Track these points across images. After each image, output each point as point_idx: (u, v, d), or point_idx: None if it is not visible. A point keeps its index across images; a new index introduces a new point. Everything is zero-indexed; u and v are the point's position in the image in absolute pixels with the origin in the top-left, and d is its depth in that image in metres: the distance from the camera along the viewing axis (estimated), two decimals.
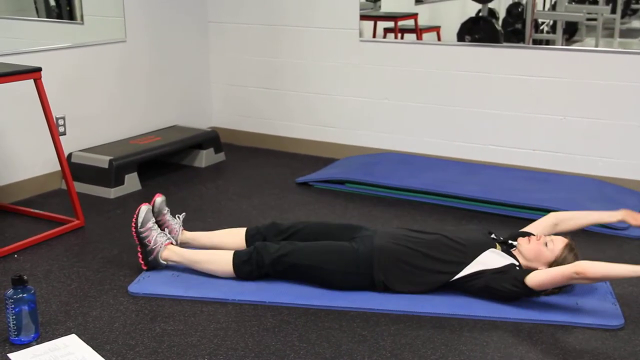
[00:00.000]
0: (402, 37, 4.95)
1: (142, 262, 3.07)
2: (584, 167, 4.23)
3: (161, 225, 3.17)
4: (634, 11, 5.04)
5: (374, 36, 4.91)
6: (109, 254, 3.34)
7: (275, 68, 5.09)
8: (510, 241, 3.01)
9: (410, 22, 5.03)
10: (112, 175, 4.14)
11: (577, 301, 2.82)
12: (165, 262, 3.07)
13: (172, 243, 3.09)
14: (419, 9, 5.13)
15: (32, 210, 3.86)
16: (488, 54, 4.41)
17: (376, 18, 4.98)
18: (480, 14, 4.86)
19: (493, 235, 3.02)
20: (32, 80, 3.45)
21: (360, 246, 2.92)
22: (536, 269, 2.81)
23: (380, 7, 5.11)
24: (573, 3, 5.13)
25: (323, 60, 4.91)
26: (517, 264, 2.85)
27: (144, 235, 3.03)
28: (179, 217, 3.24)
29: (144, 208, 3.04)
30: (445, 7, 5.25)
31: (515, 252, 2.93)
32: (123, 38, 4.60)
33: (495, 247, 2.92)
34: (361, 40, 4.76)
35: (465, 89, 4.49)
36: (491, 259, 2.84)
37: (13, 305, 2.53)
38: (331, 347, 2.55)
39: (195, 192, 4.27)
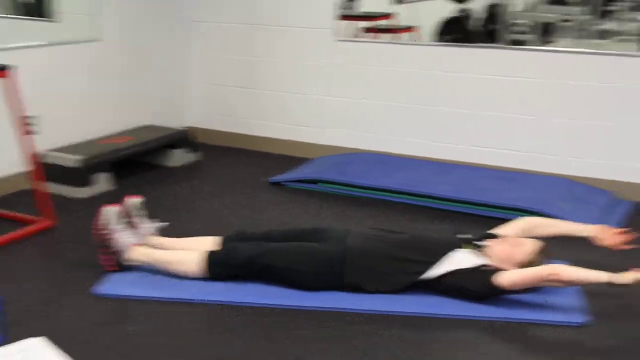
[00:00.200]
0: (380, 37, 4.95)
1: (109, 264, 3.03)
2: (557, 167, 4.25)
3: (133, 226, 3.14)
4: (608, 13, 5.08)
5: (352, 36, 4.90)
6: (78, 255, 3.30)
7: (252, 67, 5.07)
8: (480, 242, 3.01)
9: (388, 22, 5.03)
10: (84, 175, 4.10)
11: (545, 299, 2.84)
12: (132, 264, 3.03)
13: (139, 245, 3.06)
14: (398, 9, 5.12)
15: (1, 210, 3.81)
16: (464, 55, 4.43)
17: (355, 18, 4.98)
18: (459, 15, 4.87)
19: (464, 236, 3.02)
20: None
21: (333, 247, 2.91)
22: (506, 270, 2.82)
23: (358, 7, 5.11)
24: (549, 4, 5.15)
25: (299, 60, 4.90)
26: (487, 264, 2.86)
27: (108, 237, 2.99)
28: (155, 221, 3.20)
29: (108, 210, 3.01)
30: (424, 8, 5.25)
31: (486, 253, 2.93)
32: (100, 37, 4.55)
33: (466, 248, 2.92)
34: (338, 40, 4.76)
35: (442, 89, 4.50)
36: (462, 259, 2.85)
37: None
38: (300, 347, 2.54)
39: (169, 192, 4.24)
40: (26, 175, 4.17)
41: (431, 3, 5.23)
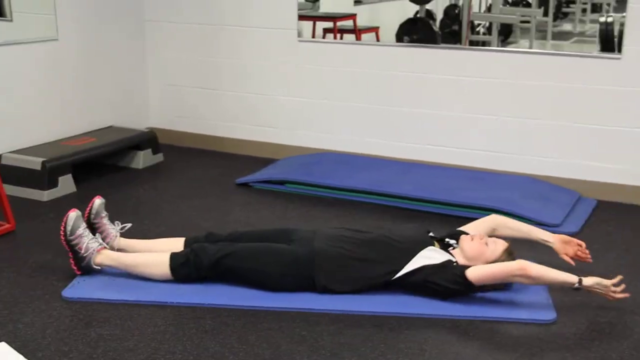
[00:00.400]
0: (341, 38, 4.97)
1: (75, 268, 2.99)
2: (518, 165, 4.32)
3: (97, 228, 3.10)
4: (565, 14, 5.18)
5: (313, 36, 4.91)
6: (41, 259, 3.24)
7: (214, 68, 5.04)
8: (447, 239, 3.05)
9: (349, 23, 5.05)
10: (44, 177, 4.02)
11: (511, 297, 2.88)
12: (98, 268, 2.99)
13: (105, 248, 3.02)
14: (358, 10, 5.15)
15: None
16: (425, 55, 4.47)
17: (315, 18, 4.99)
18: (418, 15, 4.92)
19: (431, 234, 3.06)
20: None
21: (300, 248, 2.91)
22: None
23: (319, 7, 5.12)
24: (508, 6, 5.23)
25: (262, 60, 4.89)
26: (454, 260, 2.89)
27: (74, 242, 2.95)
28: (118, 223, 3.17)
29: (72, 215, 2.96)
30: (384, 8, 5.29)
31: (454, 251, 2.96)
32: (55, 36, 4.48)
33: (434, 245, 2.95)
34: (300, 41, 4.76)
35: (403, 89, 4.54)
36: (430, 256, 2.87)
37: None
38: (270, 348, 2.54)
39: (132, 194, 4.20)
40: None
41: (391, 4, 5.27)
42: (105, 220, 3.13)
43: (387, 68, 4.56)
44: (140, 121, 5.22)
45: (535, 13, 4.96)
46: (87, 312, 2.77)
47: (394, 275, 2.86)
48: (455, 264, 2.88)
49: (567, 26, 5.08)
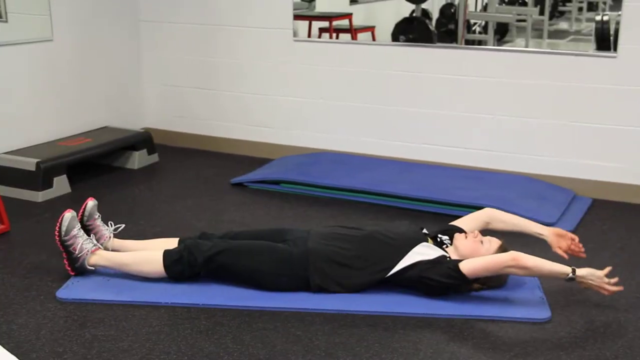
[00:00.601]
0: (337, 37, 4.97)
1: (69, 268, 2.98)
2: (514, 164, 4.32)
3: (91, 230, 3.09)
4: (561, 13, 5.18)
5: (309, 36, 4.91)
6: (36, 260, 3.24)
7: (209, 68, 5.03)
8: (440, 235, 3.05)
9: (345, 22, 5.05)
10: (39, 178, 4.02)
11: (506, 296, 2.88)
12: (92, 268, 2.99)
13: (99, 248, 3.01)
14: (354, 9, 5.15)
15: None
16: (422, 54, 4.46)
17: (311, 18, 4.98)
18: (414, 15, 4.92)
19: (424, 230, 3.05)
20: None
21: (294, 248, 2.90)
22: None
23: (314, 7, 5.11)
24: (504, 4, 5.24)
25: (258, 60, 4.88)
26: (447, 255, 2.89)
27: (68, 243, 2.94)
28: (111, 224, 3.16)
29: (67, 215, 2.95)
30: (380, 7, 5.29)
31: (447, 249, 2.96)
32: (49, 37, 4.47)
33: (427, 242, 2.95)
34: (295, 40, 4.76)
35: (399, 89, 4.54)
36: (424, 252, 2.87)
37: None
38: (265, 347, 2.53)
39: (127, 195, 4.19)
40: None
41: (387, 3, 5.27)
42: (99, 222, 3.12)
43: (383, 67, 4.56)
44: (135, 121, 5.21)
45: (531, 12, 4.96)
46: (82, 312, 2.76)
47: (389, 272, 2.86)
48: (448, 258, 2.88)
49: (563, 25, 5.08)
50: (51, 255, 3.25)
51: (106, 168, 4.69)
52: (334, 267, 2.87)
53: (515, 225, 3.13)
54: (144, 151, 4.74)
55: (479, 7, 5.04)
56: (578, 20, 5.02)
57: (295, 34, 4.76)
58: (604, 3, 4.63)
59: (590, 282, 2.75)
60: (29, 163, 4.04)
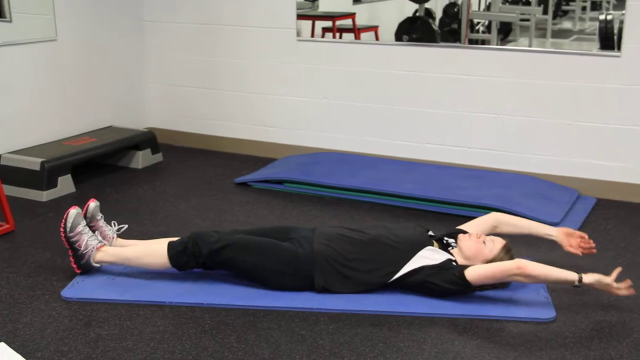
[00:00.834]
0: (340, 37, 4.97)
1: (75, 266, 2.99)
2: (518, 164, 4.32)
3: (94, 231, 3.10)
4: (565, 12, 5.17)
5: (312, 36, 4.91)
6: (41, 259, 3.24)
7: (213, 68, 5.04)
8: (446, 238, 3.04)
9: (348, 22, 5.05)
10: (44, 177, 4.02)
11: (511, 295, 2.88)
12: (98, 265, 2.99)
13: (104, 245, 3.02)
14: (357, 9, 5.15)
15: None
16: (425, 54, 4.46)
17: (314, 17, 4.98)
18: (418, 14, 4.91)
19: (430, 233, 3.05)
20: None
21: (299, 249, 2.90)
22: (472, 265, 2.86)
23: (318, 6, 5.11)
24: (507, 4, 5.23)
25: (261, 60, 4.89)
26: (453, 259, 2.89)
27: (74, 239, 2.95)
28: (114, 224, 3.16)
29: (73, 212, 2.95)
30: (383, 7, 5.28)
31: (453, 251, 2.96)
32: (53, 37, 4.48)
33: (433, 245, 2.95)
34: (299, 40, 4.76)
35: (402, 88, 4.54)
36: (429, 256, 2.87)
37: None
38: (270, 347, 2.54)
39: (131, 194, 4.19)
40: None
41: (390, 2, 5.27)
42: (102, 223, 3.12)
43: (386, 67, 4.56)
44: (139, 121, 5.22)
45: (534, 11, 4.95)
46: (86, 312, 2.77)
47: (393, 276, 2.86)
48: (454, 263, 2.87)
49: (566, 24, 5.07)
50: (56, 254, 3.26)
51: (110, 167, 4.70)
52: (339, 268, 2.87)
53: (523, 227, 3.14)
54: (148, 151, 4.75)
55: (482, 6, 5.03)
56: (582, 19, 5.01)
57: (298, 34, 4.76)
58: (608, 2, 4.62)
59: (598, 288, 2.75)
60: (33, 163, 4.05)
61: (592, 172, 4.16)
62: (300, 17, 4.77)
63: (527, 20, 4.88)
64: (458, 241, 2.97)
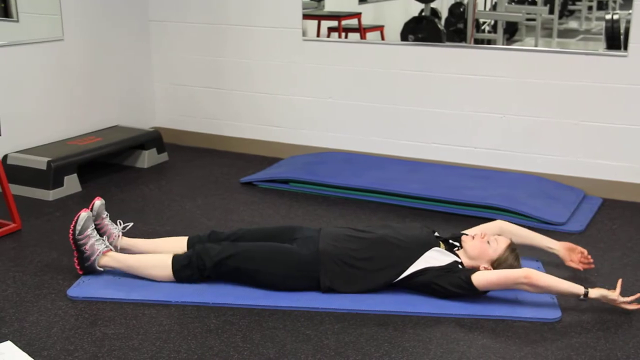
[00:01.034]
0: (346, 37, 4.97)
1: (78, 267, 3.00)
2: (524, 164, 4.31)
3: (99, 229, 3.10)
4: (571, 12, 5.16)
5: (318, 35, 4.91)
6: (47, 258, 3.25)
7: (219, 67, 5.04)
8: (452, 241, 3.04)
9: (354, 22, 5.05)
10: (50, 176, 4.03)
11: (516, 296, 2.87)
12: (102, 269, 3.00)
13: (111, 250, 3.02)
14: (363, 9, 5.15)
15: None
16: (431, 53, 4.46)
17: (320, 17, 4.99)
18: (423, 14, 4.91)
19: (437, 234, 3.05)
20: None
21: (303, 249, 2.90)
22: (478, 267, 2.85)
23: (324, 6, 5.12)
24: (513, 3, 5.22)
25: (267, 60, 4.89)
26: (459, 261, 2.89)
27: (81, 242, 2.95)
28: (120, 222, 3.17)
29: (84, 215, 2.95)
30: (389, 7, 5.28)
31: (458, 252, 2.96)
32: (60, 36, 4.49)
33: (439, 246, 2.94)
34: (305, 40, 4.76)
35: (408, 88, 4.53)
36: (435, 257, 2.87)
37: None
38: (275, 347, 2.54)
39: (137, 193, 4.20)
40: None
41: (396, 2, 5.27)
42: (107, 221, 3.13)
43: (391, 67, 4.56)
44: (145, 121, 5.23)
45: (540, 11, 4.95)
46: (92, 311, 2.77)
47: (399, 276, 2.86)
48: (460, 265, 2.87)
49: (572, 24, 5.07)
50: (62, 253, 3.27)
51: (116, 167, 4.71)
52: (344, 268, 2.87)
53: (526, 238, 3.15)
54: (154, 150, 4.76)
55: (488, 6, 5.03)
56: (588, 19, 5.01)
57: (304, 34, 4.76)
58: (614, 2, 4.61)
59: (604, 303, 2.76)
60: (40, 162, 4.07)
61: (598, 172, 4.15)
62: (306, 16, 4.77)
63: (533, 20, 4.87)
64: (462, 242, 2.97)
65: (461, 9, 4.97)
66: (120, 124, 4.98)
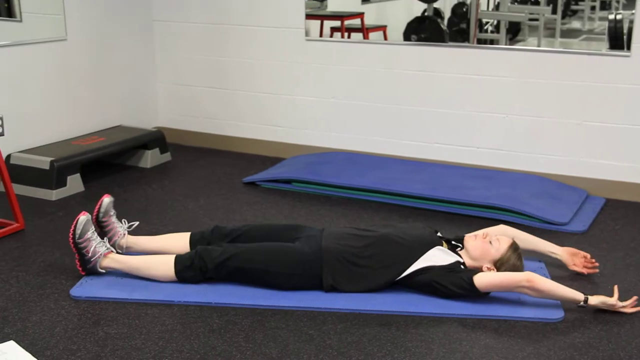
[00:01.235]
0: (348, 36, 4.97)
1: (80, 269, 3.00)
2: (526, 164, 4.31)
3: (106, 227, 3.11)
4: (574, 12, 5.16)
5: (321, 35, 4.91)
6: (50, 258, 3.26)
7: (221, 67, 5.05)
8: (454, 242, 3.03)
9: (356, 22, 5.05)
10: (53, 176, 4.04)
11: (519, 295, 2.87)
12: (103, 271, 3.00)
13: (112, 252, 3.02)
14: (366, 8, 5.15)
15: None
16: (433, 53, 4.46)
17: (323, 17, 4.99)
18: (426, 14, 4.91)
19: (439, 234, 3.05)
20: None
21: (306, 248, 2.91)
22: (481, 268, 2.85)
23: (326, 6, 5.12)
24: (516, 3, 5.22)
25: (270, 60, 4.89)
26: (462, 261, 2.88)
27: (82, 245, 2.95)
28: (125, 221, 3.18)
29: (83, 218, 2.95)
30: (392, 7, 5.28)
31: (460, 252, 2.96)
32: (63, 36, 4.50)
33: (442, 245, 2.94)
34: (307, 40, 4.76)
35: (411, 88, 4.53)
36: (438, 257, 2.87)
37: None
38: (278, 346, 2.54)
39: (140, 193, 4.21)
40: None
41: (399, 2, 5.27)
42: (114, 219, 3.14)
43: (394, 67, 4.56)
44: (148, 120, 5.24)
45: (543, 11, 4.94)
46: (95, 311, 2.78)
47: (401, 274, 2.86)
48: (463, 266, 2.87)
49: (575, 24, 5.06)
50: (65, 253, 3.28)
51: (119, 167, 4.72)
52: (347, 266, 2.87)
53: (528, 243, 3.14)
54: (157, 150, 4.77)
55: (491, 6, 5.03)
56: (591, 19, 5.00)
57: (307, 34, 4.77)
58: (617, 2, 4.61)
59: (604, 309, 2.77)
60: (43, 162, 4.07)
61: (601, 172, 4.15)
62: (308, 16, 4.77)
63: (536, 19, 4.87)
64: (464, 242, 2.97)
65: (464, 9, 4.97)
66: (123, 123, 4.99)
